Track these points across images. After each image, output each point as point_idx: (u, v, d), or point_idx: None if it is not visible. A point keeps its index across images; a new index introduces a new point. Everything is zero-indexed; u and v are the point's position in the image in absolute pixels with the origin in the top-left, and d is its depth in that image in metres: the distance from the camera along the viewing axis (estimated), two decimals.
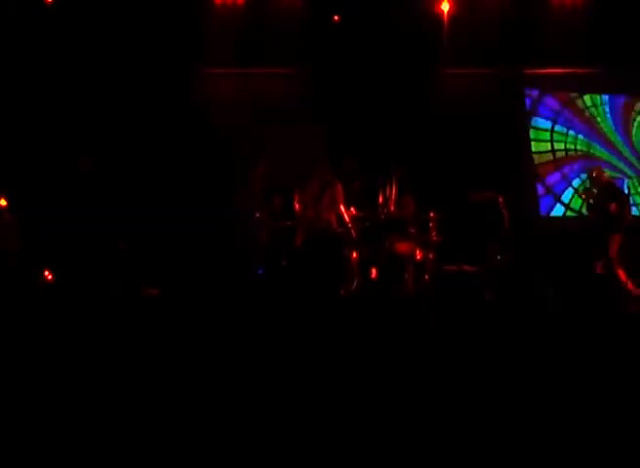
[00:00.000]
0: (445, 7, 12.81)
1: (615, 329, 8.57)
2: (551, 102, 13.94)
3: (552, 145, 13.87)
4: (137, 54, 12.68)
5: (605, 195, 11.62)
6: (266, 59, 13.04)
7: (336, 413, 5.51)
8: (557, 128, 13.88)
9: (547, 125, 13.90)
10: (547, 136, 13.86)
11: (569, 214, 13.83)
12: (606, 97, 13.92)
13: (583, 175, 13.50)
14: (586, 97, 13.88)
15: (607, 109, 13.92)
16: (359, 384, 6.15)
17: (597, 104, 13.92)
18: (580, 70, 13.62)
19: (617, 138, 13.90)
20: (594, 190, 11.85)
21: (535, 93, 13.91)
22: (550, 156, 13.85)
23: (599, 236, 11.53)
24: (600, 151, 13.87)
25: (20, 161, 12.05)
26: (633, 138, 13.96)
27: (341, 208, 11.27)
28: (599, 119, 13.93)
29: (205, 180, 12.63)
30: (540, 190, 13.85)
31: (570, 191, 13.82)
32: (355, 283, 10.98)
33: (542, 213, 13.80)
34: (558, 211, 13.81)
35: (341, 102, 13.02)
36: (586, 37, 12.56)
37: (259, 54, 12.97)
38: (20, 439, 5.03)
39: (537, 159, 13.87)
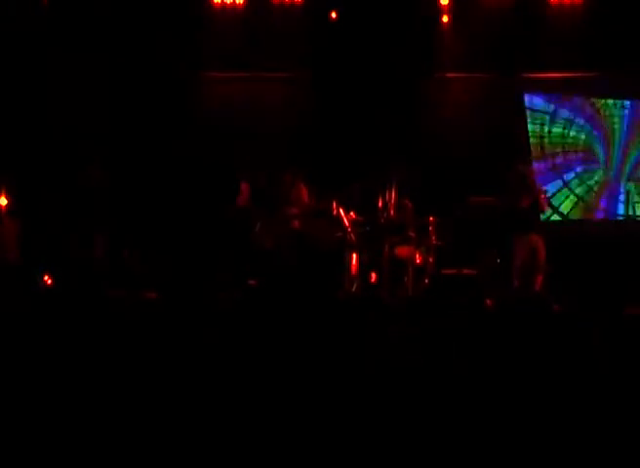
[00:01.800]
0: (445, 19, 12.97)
1: (614, 332, 8.07)
2: (576, 100, 13.89)
3: (569, 133, 13.83)
4: (136, 59, 12.68)
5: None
6: (266, 64, 13.08)
7: (335, 417, 5.43)
8: (577, 120, 13.81)
9: (544, 117, 13.83)
10: (539, 129, 13.83)
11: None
12: (628, 103, 13.82)
13: (579, 169, 13.69)
14: (610, 102, 13.82)
15: (626, 113, 13.84)
16: (358, 388, 6.01)
17: (617, 109, 13.85)
18: (581, 74, 13.56)
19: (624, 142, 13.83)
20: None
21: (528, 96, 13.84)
22: (539, 148, 13.81)
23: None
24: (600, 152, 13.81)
25: (18, 164, 12.06)
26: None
27: (341, 212, 11.30)
28: (615, 120, 13.86)
29: (206, 184, 12.60)
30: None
31: (559, 184, 13.71)
32: (355, 286, 11.03)
33: None
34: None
35: (341, 107, 13.01)
36: (585, 41, 12.65)
37: (258, 58, 13.03)
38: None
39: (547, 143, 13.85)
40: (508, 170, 11.41)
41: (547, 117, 13.78)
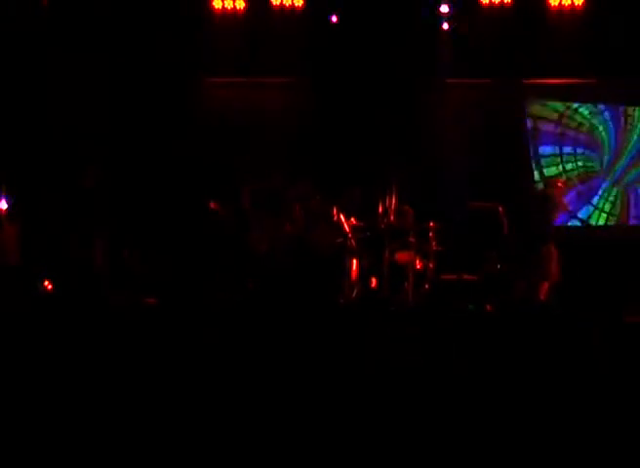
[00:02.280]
0: (445, 26, 13.03)
1: (614, 338, 8.30)
2: (550, 128, 13.84)
3: (563, 167, 13.77)
4: (137, 63, 12.67)
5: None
6: (267, 69, 13.04)
7: (335, 422, 5.49)
8: (565, 150, 13.80)
9: (555, 150, 13.80)
10: (557, 160, 13.76)
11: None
12: (602, 106, 13.85)
13: (601, 191, 13.65)
14: (583, 109, 13.81)
15: (607, 117, 13.84)
16: (358, 393, 6.10)
17: (595, 114, 13.86)
18: (578, 80, 13.58)
19: (613, 147, 13.86)
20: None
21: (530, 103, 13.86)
22: (563, 177, 13.63)
23: None
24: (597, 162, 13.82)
25: (18, 166, 12.09)
26: (629, 147, 13.87)
27: (341, 217, 11.29)
28: (600, 128, 13.87)
29: (206, 187, 12.54)
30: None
31: (589, 209, 13.68)
32: (355, 292, 11.01)
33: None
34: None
35: (341, 112, 13.01)
36: (585, 48, 12.69)
37: (259, 63, 13.01)
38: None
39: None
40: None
41: (557, 158, 13.80)
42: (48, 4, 12.30)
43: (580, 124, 13.79)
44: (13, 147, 12.04)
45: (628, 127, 13.81)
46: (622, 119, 13.82)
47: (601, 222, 13.71)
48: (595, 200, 13.72)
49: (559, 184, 11.93)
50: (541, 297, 11.11)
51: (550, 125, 13.79)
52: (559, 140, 13.75)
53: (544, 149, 13.77)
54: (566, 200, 12.10)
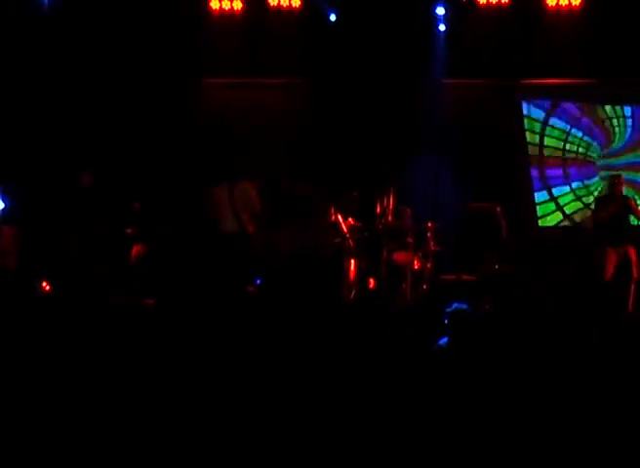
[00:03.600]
0: (441, 27, 13.01)
1: (613, 337, 8.30)
2: (570, 108, 13.82)
3: (565, 146, 13.73)
4: (137, 64, 12.72)
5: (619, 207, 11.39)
6: (264, 69, 13.16)
7: (334, 421, 5.42)
8: (574, 131, 13.75)
9: (565, 127, 13.76)
10: (563, 135, 13.73)
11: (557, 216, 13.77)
12: (629, 109, 13.71)
13: (587, 181, 13.55)
14: (608, 108, 13.72)
15: (629, 123, 13.73)
16: (357, 393, 6.01)
17: (619, 116, 13.72)
18: (579, 81, 13.55)
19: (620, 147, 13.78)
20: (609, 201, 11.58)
21: (547, 103, 13.81)
22: (560, 153, 13.73)
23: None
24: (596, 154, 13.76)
25: (16, 169, 12.05)
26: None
27: (339, 218, 11.21)
28: (617, 130, 13.77)
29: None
30: (534, 173, 13.78)
31: (566, 189, 13.67)
32: (353, 292, 10.94)
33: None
34: (542, 196, 13.77)
35: (339, 112, 13.03)
36: (583, 47, 12.58)
37: (256, 63, 13.12)
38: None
39: (546, 152, 13.78)
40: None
41: (543, 126, 13.82)
42: (49, 7, 12.29)
43: (599, 117, 13.73)
44: (11, 149, 12.04)
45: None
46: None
47: (570, 209, 13.65)
48: (575, 185, 13.68)
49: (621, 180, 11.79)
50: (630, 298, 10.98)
51: (572, 105, 13.82)
52: (574, 121, 13.73)
53: (555, 122, 13.75)
54: None
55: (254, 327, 9.25)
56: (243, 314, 10.11)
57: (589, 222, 12.45)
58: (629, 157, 13.63)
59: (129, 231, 11.66)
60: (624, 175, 12.79)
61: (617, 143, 13.69)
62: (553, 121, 13.71)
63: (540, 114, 13.76)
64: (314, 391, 6.05)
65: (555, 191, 13.66)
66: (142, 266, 11.76)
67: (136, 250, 11.87)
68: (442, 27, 13.03)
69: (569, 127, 13.73)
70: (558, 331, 8.94)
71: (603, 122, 13.68)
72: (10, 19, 11.83)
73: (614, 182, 11.66)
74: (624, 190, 11.85)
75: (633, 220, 11.76)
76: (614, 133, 13.69)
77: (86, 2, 12.42)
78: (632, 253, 11.03)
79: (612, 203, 11.30)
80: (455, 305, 8.49)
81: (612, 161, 13.64)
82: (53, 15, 12.28)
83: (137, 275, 11.63)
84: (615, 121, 13.69)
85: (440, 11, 12.89)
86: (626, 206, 11.33)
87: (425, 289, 11.26)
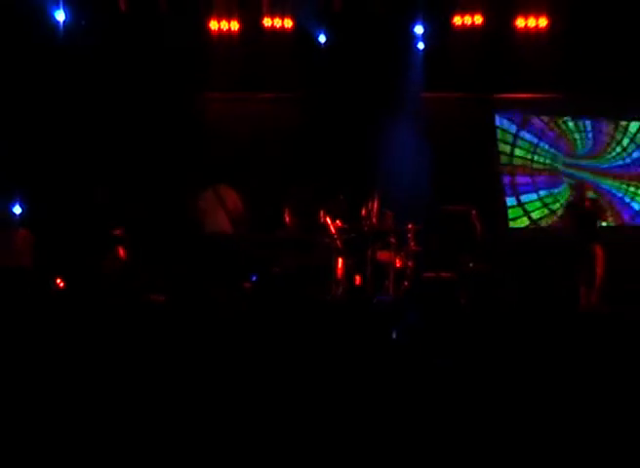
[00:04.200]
0: (420, 45, 13.05)
1: (578, 332, 8.36)
2: (537, 123, 13.95)
3: (533, 157, 13.86)
4: (145, 81, 12.75)
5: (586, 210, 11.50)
6: (259, 85, 13.17)
7: (324, 415, 5.31)
8: (541, 144, 13.88)
9: (533, 139, 13.91)
10: (531, 148, 13.88)
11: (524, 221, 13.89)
12: (588, 123, 13.94)
13: (555, 190, 13.67)
14: (570, 123, 13.90)
15: (588, 135, 13.93)
16: (345, 386, 5.92)
17: (581, 130, 13.93)
18: (546, 95, 13.68)
19: (582, 165, 13.96)
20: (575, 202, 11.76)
21: (518, 117, 13.94)
22: (529, 163, 13.87)
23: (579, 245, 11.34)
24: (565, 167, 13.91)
25: (32, 176, 12.12)
26: (601, 163, 13.97)
27: (328, 220, 11.25)
28: (576, 143, 13.94)
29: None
30: (506, 180, 13.89)
31: (534, 196, 13.79)
32: (340, 289, 10.98)
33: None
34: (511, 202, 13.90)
35: (328, 124, 13.06)
36: (550, 64, 12.67)
37: (252, 80, 13.07)
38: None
39: (516, 161, 13.93)
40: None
41: (513, 138, 13.92)
42: (64, 26, 12.29)
43: (563, 131, 13.92)
44: (29, 160, 12.09)
45: (606, 142, 13.94)
46: (601, 134, 13.94)
47: (538, 215, 13.76)
48: (542, 193, 13.80)
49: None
50: (593, 299, 11.05)
51: (539, 120, 13.95)
52: (540, 135, 13.88)
53: (525, 135, 13.89)
54: None
55: (250, 320, 9.39)
56: (240, 309, 10.16)
57: (558, 225, 12.80)
58: (591, 162, 13.81)
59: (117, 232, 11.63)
60: (589, 179, 13.07)
61: (580, 152, 13.86)
62: (523, 134, 13.85)
63: (511, 127, 13.87)
64: (306, 379, 6.00)
65: (524, 198, 13.78)
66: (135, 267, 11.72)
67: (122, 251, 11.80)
68: (421, 45, 13.08)
69: (537, 140, 13.87)
70: (526, 322, 9.17)
71: (566, 134, 13.83)
72: (26, 38, 11.84)
73: (579, 187, 11.88)
74: (590, 194, 12.00)
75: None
76: (576, 143, 13.86)
77: (98, 25, 12.43)
78: (599, 251, 11.11)
79: (579, 206, 11.44)
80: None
81: (576, 168, 13.79)
82: (67, 35, 12.29)
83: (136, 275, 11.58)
84: (577, 133, 13.87)
85: (419, 30, 12.93)
86: (593, 208, 11.43)
87: (407, 285, 11.23)
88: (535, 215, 13.73)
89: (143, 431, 5.13)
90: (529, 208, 13.77)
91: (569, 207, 11.94)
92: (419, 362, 6.57)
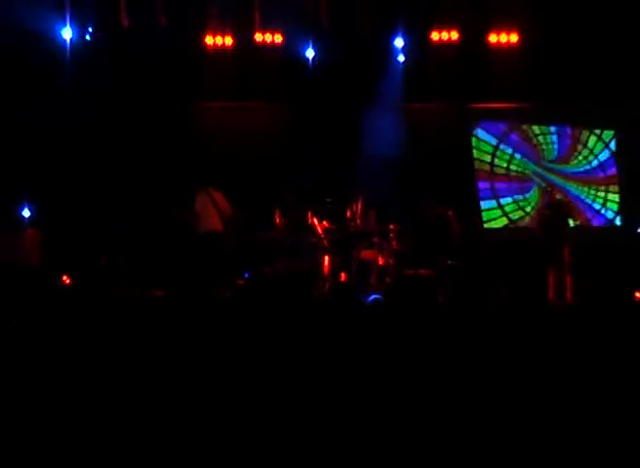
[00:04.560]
0: (401, 58, 13.07)
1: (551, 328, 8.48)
2: (500, 126, 14.10)
3: (493, 161, 13.97)
4: (144, 92, 12.75)
5: (554, 208, 11.81)
6: (251, 95, 13.20)
7: (313, 409, 5.18)
8: (502, 147, 14.01)
9: (493, 142, 13.99)
10: (490, 149, 13.96)
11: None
12: (554, 129, 14.09)
13: (526, 194, 13.80)
14: (535, 127, 14.05)
15: (554, 139, 14.08)
16: (334, 381, 5.81)
17: (545, 133, 14.08)
18: (517, 104, 13.78)
19: (553, 169, 14.10)
20: (547, 206, 12.02)
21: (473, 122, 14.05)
22: (488, 168, 13.99)
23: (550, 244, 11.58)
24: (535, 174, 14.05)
25: (40, 182, 12.17)
26: (570, 167, 14.14)
27: (315, 221, 11.49)
28: (543, 149, 14.08)
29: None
30: (486, 185, 13.97)
31: (492, 204, 13.97)
32: (327, 285, 11.13)
33: None
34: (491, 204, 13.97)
35: (315, 133, 13.05)
36: (522, 75, 12.79)
37: (245, 90, 13.14)
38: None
39: (495, 169, 14.01)
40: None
41: (492, 149, 13.99)
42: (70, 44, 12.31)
43: (528, 136, 14.06)
44: (37, 167, 12.13)
45: (573, 148, 14.12)
46: (569, 140, 14.13)
47: (515, 216, 13.88)
48: (517, 197, 13.90)
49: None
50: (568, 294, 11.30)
51: (515, 134, 14.11)
52: (514, 144, 14.02)
53: (491, 139, 13.98)
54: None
55: (245, 313, 9.51)
56: (234, 303, 10.28)
57: (534, 224, 12.88)
58: (559, 167, 13.99)
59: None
60: (559, 183, 13.35)
61: (548, 157, 14.03)
62: (501, 145, 13.97)
63: (490, 139, 13.95)
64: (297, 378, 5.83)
65: (502, 201, 13.89)
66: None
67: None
68: (401, 58, 13.10)
69: (511, 149, 14.01)
70: (500, 318, 9.31)
71: (536, 143, 14.01)
72: (35, 54, 11.89)
73: (548, 191, 12.24)
74: (558, 196, 12.24)
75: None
76: (543, 149, 14.02)
77: (102, 40, 12.52)
78: (566, 250, 11.40)
79: (550, 208, 11.77)
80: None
81: (548, 172, 13.92)
82: (74, 51, 12.32)
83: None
84: (543, 139, 14.05)
85: (399, 43, 12.94)
86: (563, 209, 11.74)
87: (389, 281, 11.35)
88: (512, 216, 13.89)
89: (143, 419, 5.09)
90: (507, 209, 13.89)
91: (541, 209, 12.17)
92: (407, 360, 6.36)
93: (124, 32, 12.41)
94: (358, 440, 4.64)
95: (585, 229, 12.90)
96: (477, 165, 13.94)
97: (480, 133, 13.99)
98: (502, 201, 13.92)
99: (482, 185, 13.93)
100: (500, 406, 5.20)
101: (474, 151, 13.94)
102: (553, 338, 7.52)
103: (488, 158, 13.97)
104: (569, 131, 14.18)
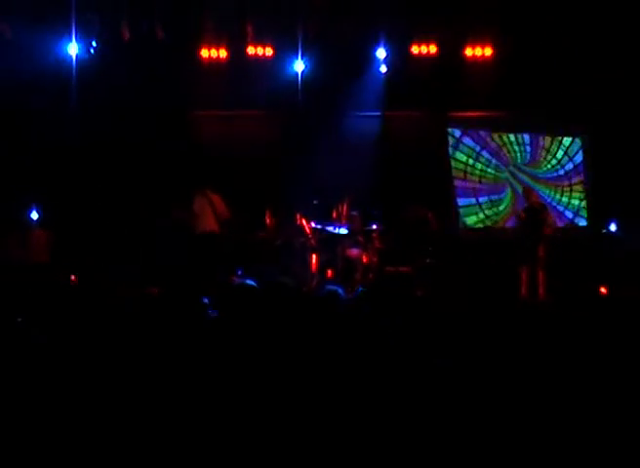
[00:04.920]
0: (383, 69, 13.29)
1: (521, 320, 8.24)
2: (476, 136, 14.27)
3: (473, 163, 14.20)
4: (144, 101, 12.77)
5: (532, 210, 11.91)
6: (243, 104, 13.28)
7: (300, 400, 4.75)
8: (475, 155, 14.18)
9: (468, 150, 14.22)
10: (474, 154, 14.17)
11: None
12: (527, 137, 14.33)
13: (499, 195, 14.05)
14: (510, 135, 14.29)
15: (527, 149, 14.32)
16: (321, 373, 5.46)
17: (520, 143, 14.29)
18: (491, 113, 14.04)
19: (525, 170, 14.35)
20: (525, 205, 12.11)
21: (457, 132, 14.25)
22: (463, 174, 14.19)
23: (526, 243, 11.70)
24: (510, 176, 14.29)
25: (48, 186, 12.35)
26: (539, 172, 14.39)
27: (304, 222, 11.64)
28: (515, 155, 14.32)
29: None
30: (465, 185, 14.16)
31: (472, 201, 14.14)
32: (315, 281, 11.30)
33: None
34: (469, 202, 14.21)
35: (303, 140, 13.20)
36: (496, 86, 12.95)
37: (238, 100, 13.20)
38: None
39: (472, 172, 14.18)
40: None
41: (473, 154, 14.20)
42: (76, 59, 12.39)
43: (501, 143, 14.30)
44: (44, 171, 12.29)
45: (542, 154, 14.37)
46: (538, 148, 14.38)
47: (491, 213, 14.09)
48: (481, 200, 14.13)
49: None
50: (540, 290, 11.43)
51: (483, 132, 14.34)
52: (483, 145, 14.26)
53: (468, 141, 14.20)
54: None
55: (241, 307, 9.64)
56: (229, 297, 10.58)
57: (511, 224, 13.23)
58: (530, 170, 14.28)
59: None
60: (531, 185, 13.61)
61: (520, 162, 14.32)
62: (478, 153, 14.20)
63: (466, 147, 14.15)
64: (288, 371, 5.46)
65: (479, 199, 14.13)
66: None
67: None
68: (383, 69, 13.24)
69: (491, 157, 14.24)
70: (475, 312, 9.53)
71: (507, 146, 14.26)
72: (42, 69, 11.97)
73: (528, 193, 12.33)
74: (535, 199, 12.38)
75: None
76: (516, 155, 14.30)
77: (107, 55, 12.58)
78: (541, 248, 11.59)
79: (529, 210, 11.88)
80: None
81: (523, 174, 14.19)
82: (80, 65, 12.39)
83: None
84: (516, 146, 14.31)
85: (381, 55, 13.04)
86: (540, 213, 11.88)
87: (372, 278, 11.50)
88: (488, 213, 14.11)
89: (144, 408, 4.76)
90: (483, 207, 14.13)
91: (521, 211, 12.21)
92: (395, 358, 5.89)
93: (125, 46, 12.51)
94: (352, 436, 4.39)
95: (556, 230, 13.00)
96: (454, 172, 14.13)
97: (458, 140, 14.19)
98: (480, 199, 14.12)
99: (460, 184, 14.13)
100: (483, 401, 4.89)
101: (452, 161, 14.14)
102: (528, 332, 7.15)
103: (462, 166, 14.17)
104: (539, 138, 14.44)
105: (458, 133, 14.18)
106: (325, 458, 4.21)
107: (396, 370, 5.26)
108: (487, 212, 14.14)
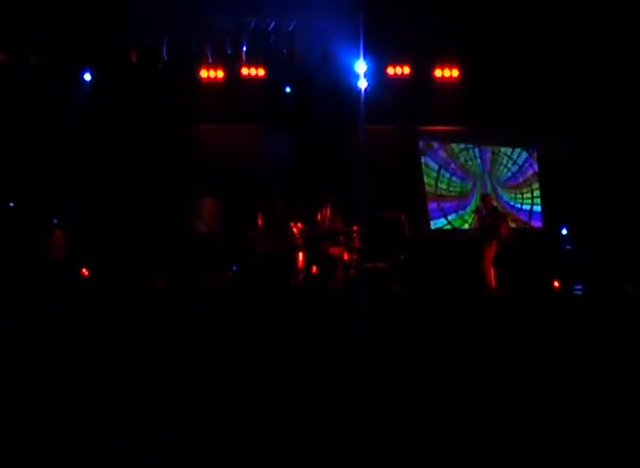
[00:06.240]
0: (362, 85, 12.84)
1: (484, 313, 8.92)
2: (441, 153, 14.33)
3: (437, 184, 14.28)
4: (149, 116, 12.86)
5: (490, 215, 11.96)
6: (238, 119, 13.32)
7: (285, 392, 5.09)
8: (442, 172, 14.29)
9: (435, 167, 14.29)
10: (434, 175, 14.21)
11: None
12: (477, 151, 14.34)
13: (461, 212, 14.13)
14: (470, 151, 14.23)
15: (479, 162, 14.32)
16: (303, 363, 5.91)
17: (481, 154, 14.30)
18: (457, 127, 14.08)
19: (485, 179, 14.39)
20: (483, 210, 12.12)
21: (422, 143, 14.39)
22: (434, 189, 14.27)
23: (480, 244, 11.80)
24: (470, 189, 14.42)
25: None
26: (493, 176, 14.43)
27: (291, 223, 11.51)
28: (474, 169, 14.34)
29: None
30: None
31: (443, 222, 14.25)
32: (301, 277, 11.30)
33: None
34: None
35: (290, 149, 13.33)
36: (459, 105, 13.14)
37: (233, 115, 13.25)
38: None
39: (440, 186, 14.20)
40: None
41: (435, 174, 14.24)
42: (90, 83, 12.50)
43: (458, 158, 14.33)
44: (63, 183, 12.43)
45: (495, 163, 14.38)
46: (489, 157, 14.40)
47: (457, 224, 14.12)
48: (460, 212, 14.18)
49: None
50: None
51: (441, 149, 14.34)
52: (444, 162, 14.24)
53: (430, 162, 14.14)
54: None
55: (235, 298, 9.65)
56: (224, 292, 10.59)
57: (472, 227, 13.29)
58: (493, 178, 14.30)
59: None
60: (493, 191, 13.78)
61: (482, 170, 14.28)
62: (442, 171, 14.17)
63: (434, 165, 14.16)
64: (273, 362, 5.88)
65: (449, 217, 14.13)
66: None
67: None
68: (363, 85, 12.59)
69: (438, 167, 14.31)
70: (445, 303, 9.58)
71: (471, 159, 14.26)
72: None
73: (486, 199, 12.40)
74: (495, 204, 12.52)
75: None
76: (478, 164, 14.26)
77: (118, 78, 12.66)
78: (496, 247, 11.59)
79: (490, 215, 11.90)
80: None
81: (484, 180, 14.22)
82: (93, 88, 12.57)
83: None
84: (479, 157, 14.30)
85: (361, 72, 12.50)
86: (499, 217, 11.95)
87: (352, 273, 11.48)
88: (455, 224, 14.14)
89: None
90: (449, 218, 14.20)
91: (483, 216, 12.14)
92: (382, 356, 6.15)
93: (133, 66, 12.54)
94: (341, 431, 4.30)
95: (511, 230, 12.97)
96: (427, 187, 14.26)
97: (427, 160, 14.23)
98: (449, 217, 14.19)
99: (431, 206, 14.24)
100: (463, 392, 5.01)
101: (424, 168, 14.21)
102: (493, 321, 7.94)
103: (432, 181, 14.23)
104: (499, 149, 14.45)
105: (432, 144, 14.32)
106: (313, 455, 3.99)
107: (382, 368, 5.37)
108: (454, 223, 14.25)
